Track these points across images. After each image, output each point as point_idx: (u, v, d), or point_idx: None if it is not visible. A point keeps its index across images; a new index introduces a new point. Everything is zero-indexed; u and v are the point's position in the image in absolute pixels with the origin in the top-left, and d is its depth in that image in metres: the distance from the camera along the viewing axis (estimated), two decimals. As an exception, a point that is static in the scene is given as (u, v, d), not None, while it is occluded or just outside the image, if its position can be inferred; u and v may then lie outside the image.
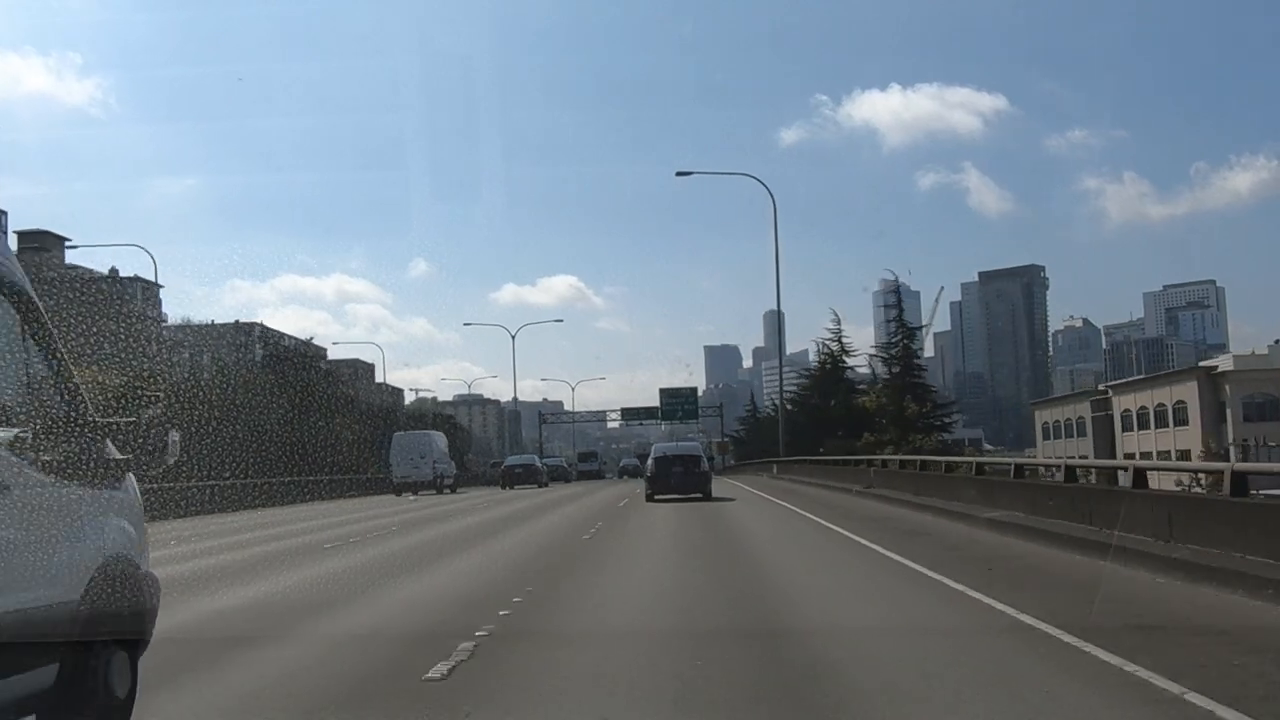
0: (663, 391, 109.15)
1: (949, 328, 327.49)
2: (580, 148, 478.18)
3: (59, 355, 5.00)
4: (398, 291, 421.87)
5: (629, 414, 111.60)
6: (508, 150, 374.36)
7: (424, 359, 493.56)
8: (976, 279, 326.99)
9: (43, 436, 4.66)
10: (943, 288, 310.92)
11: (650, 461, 31.71)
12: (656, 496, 29.63)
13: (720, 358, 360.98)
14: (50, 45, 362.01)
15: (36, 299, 4.88)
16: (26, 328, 4.81)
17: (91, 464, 5.01)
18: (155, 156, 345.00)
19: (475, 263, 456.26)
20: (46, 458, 4.61)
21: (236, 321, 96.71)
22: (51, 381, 4.93)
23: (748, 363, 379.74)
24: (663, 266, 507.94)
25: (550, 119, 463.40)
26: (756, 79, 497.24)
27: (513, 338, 71.55)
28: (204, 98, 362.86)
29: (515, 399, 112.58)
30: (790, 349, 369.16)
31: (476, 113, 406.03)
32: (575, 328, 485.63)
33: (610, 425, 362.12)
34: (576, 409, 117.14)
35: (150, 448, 5.32)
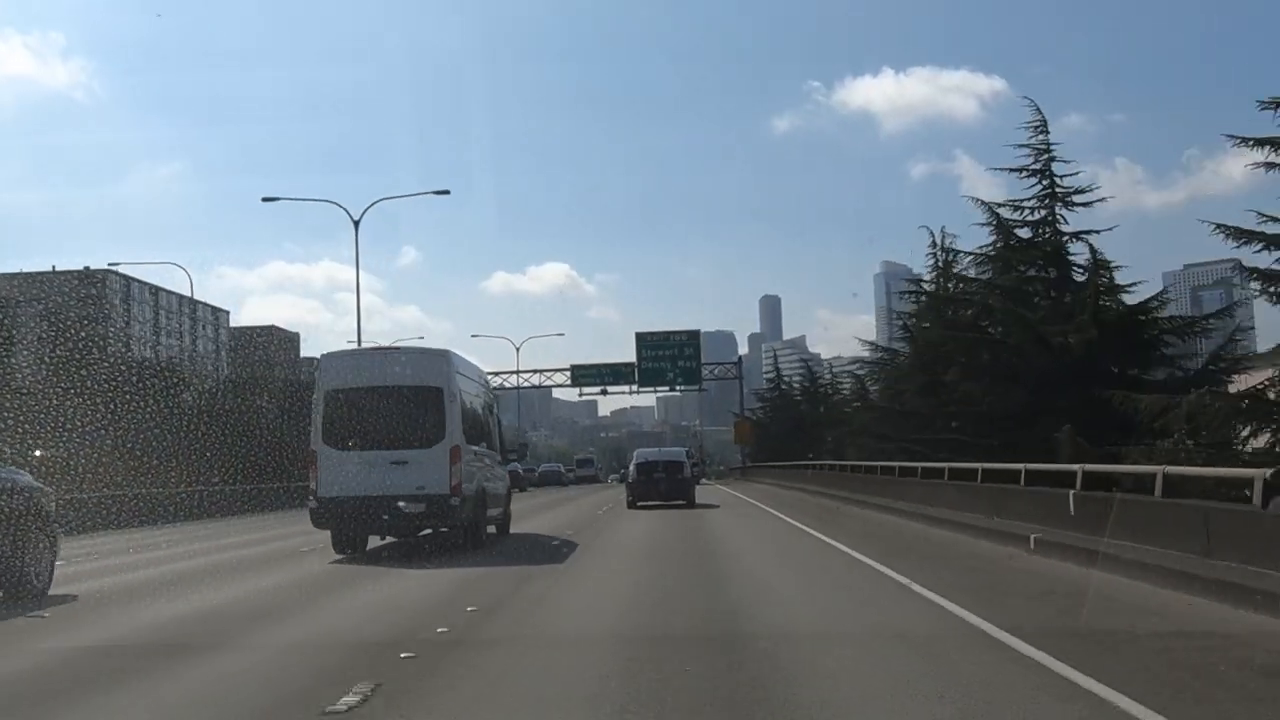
0: (641, 339, 73.25)
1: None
2: (570, 134, 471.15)
3: (499, 421, 21.62)
4: (391, 278, 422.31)
5: (581, 375, 76.08)
6: (497, 139, 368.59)
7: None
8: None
9: (496, 451, 19.90)
10: None
11: (632, 468, 32.72)
12: (639, 503, 30.49)
13: (714, 343, 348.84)
14: (31, 24, 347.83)
15: (494, 400, 21.71)
16: (490, 415, 20.28)
17: (503, 459, 20.98)
18: (141, 140, 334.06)
19: (465, 251, 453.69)
20: (500, 457, 20.37)
21: (86, 268, 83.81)
22: (497, 433, 20.72)
23: (743, 349, 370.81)
24: (654, 254, 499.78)
25: (541, 105, 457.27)
26: (754, 61, 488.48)
27: (356, 224, 46.24)
28: (191, 82, 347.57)
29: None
30: (787, 333, 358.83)
31: (466, 101, 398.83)
32: (567, 316, 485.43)
33: (602, 415, 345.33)
34: (573, 400, 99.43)
35: (519, 452, 32.40)
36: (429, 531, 17.16)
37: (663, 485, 30.83)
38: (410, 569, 14.37)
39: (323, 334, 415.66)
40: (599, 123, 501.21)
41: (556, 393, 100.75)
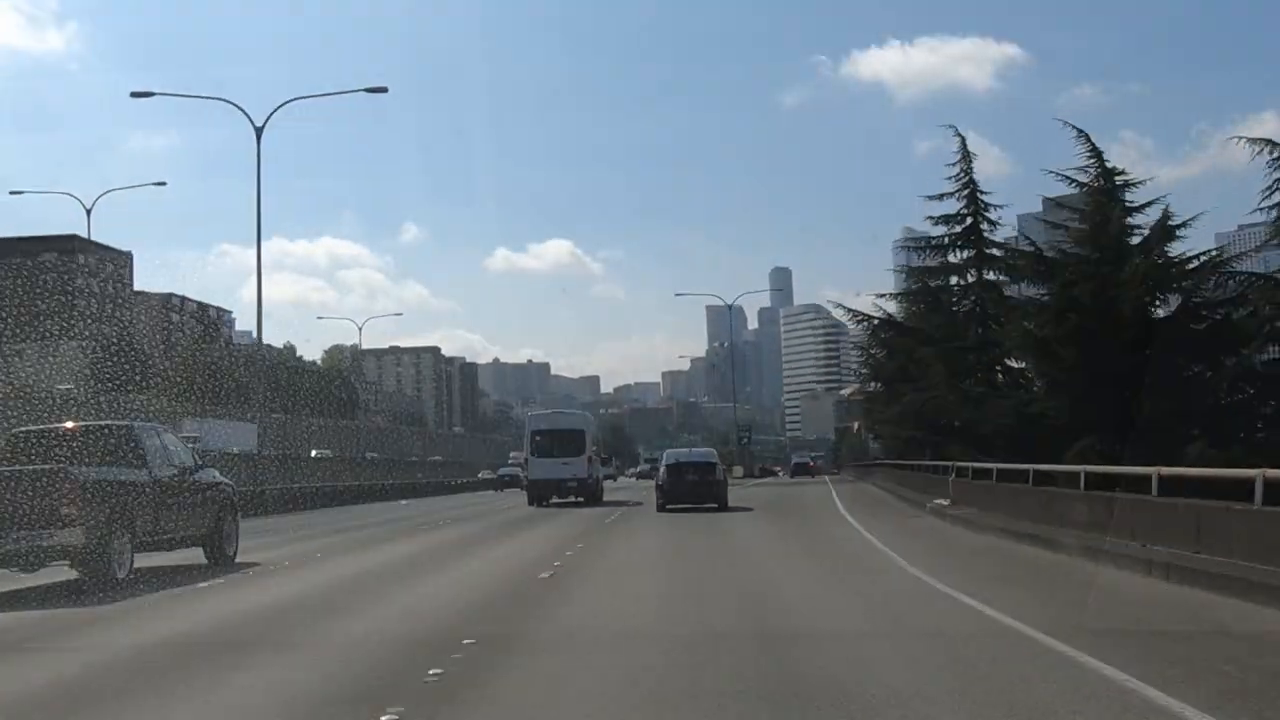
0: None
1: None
2: (572, 111, 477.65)
3: (599, 440, 49.46)
4: (394, 255, 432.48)
5: None
6: (497, 116, 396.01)
7: (424, 326, 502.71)
8: (1041, 207, 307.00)
9: (601, 457, 48.05)
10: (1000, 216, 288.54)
11: (662, 469, 35.95)
12: (669, 506, 32.85)
13: (724, 318, 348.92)
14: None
15: (593, 425, 49.62)
16: (598, 439, 50.25)
17: (601, 461, 48.64)
18: (135, 112, 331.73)
19: (467, 227, 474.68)
20: (601, 461, 48.26)
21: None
22: (598, 445, 47.12)
23: (753, 324, 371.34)
24: (659, 231, 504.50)
25: (543, 82, 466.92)
26: (755, 41, 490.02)
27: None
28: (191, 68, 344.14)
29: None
30: (799, 299, 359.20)
31: (467, 78, 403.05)
32: (571, 295, 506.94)
33: (605, 391, 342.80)
34: (573, 376, 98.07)
35: (603, 457, 53.51)
36: (573, 497, 39.12)
37: (695, 488, 33.79)
38: (573, 509, 34.99)
39: (329, 311, 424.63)
40: (602, 100, 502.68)
41: (554, 368, 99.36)
